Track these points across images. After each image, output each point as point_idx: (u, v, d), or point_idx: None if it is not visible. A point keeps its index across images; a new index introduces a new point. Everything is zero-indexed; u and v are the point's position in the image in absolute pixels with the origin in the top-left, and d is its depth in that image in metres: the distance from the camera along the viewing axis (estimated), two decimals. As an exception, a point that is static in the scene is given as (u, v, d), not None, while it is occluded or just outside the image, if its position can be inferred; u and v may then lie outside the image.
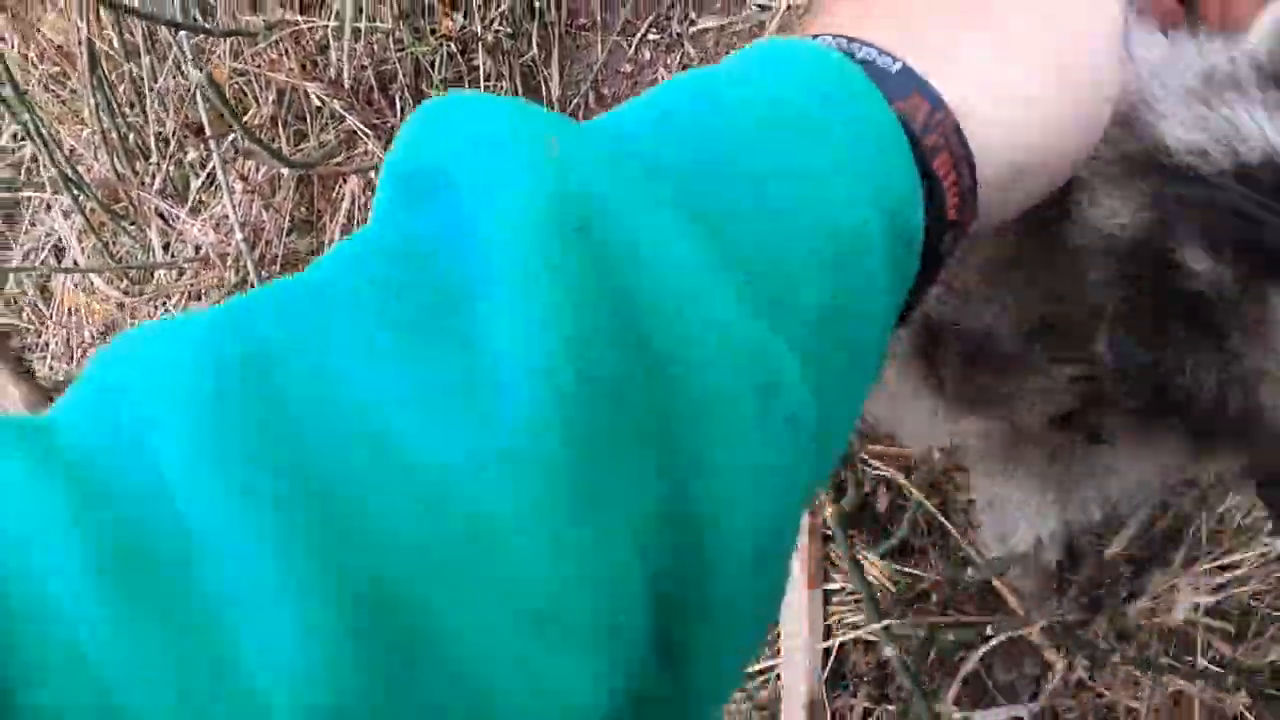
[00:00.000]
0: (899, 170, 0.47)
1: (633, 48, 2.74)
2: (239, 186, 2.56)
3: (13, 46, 2.83)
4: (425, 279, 0.40)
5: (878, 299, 0.47)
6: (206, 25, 2.50)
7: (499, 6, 2.67)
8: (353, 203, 2.58)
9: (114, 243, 2.79)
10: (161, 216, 2.74)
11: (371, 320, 0.39)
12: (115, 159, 2.72)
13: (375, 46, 2.59)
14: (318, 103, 2.59)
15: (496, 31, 2.66)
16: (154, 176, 2.73)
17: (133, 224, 2.77)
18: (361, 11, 2.56)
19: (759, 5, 2.66)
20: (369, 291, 0.40)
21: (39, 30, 2.93)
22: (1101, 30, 0.55)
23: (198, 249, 2.64)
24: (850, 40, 0.52)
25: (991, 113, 0.51)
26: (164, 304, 2.68)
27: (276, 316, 0.39)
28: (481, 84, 2.67)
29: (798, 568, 2.03)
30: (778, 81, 0.49)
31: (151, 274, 2.74)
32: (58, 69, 2.96)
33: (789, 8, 2.61)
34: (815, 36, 0.53)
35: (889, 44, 0.51)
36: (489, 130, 0.43)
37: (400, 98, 2.60)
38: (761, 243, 0.43)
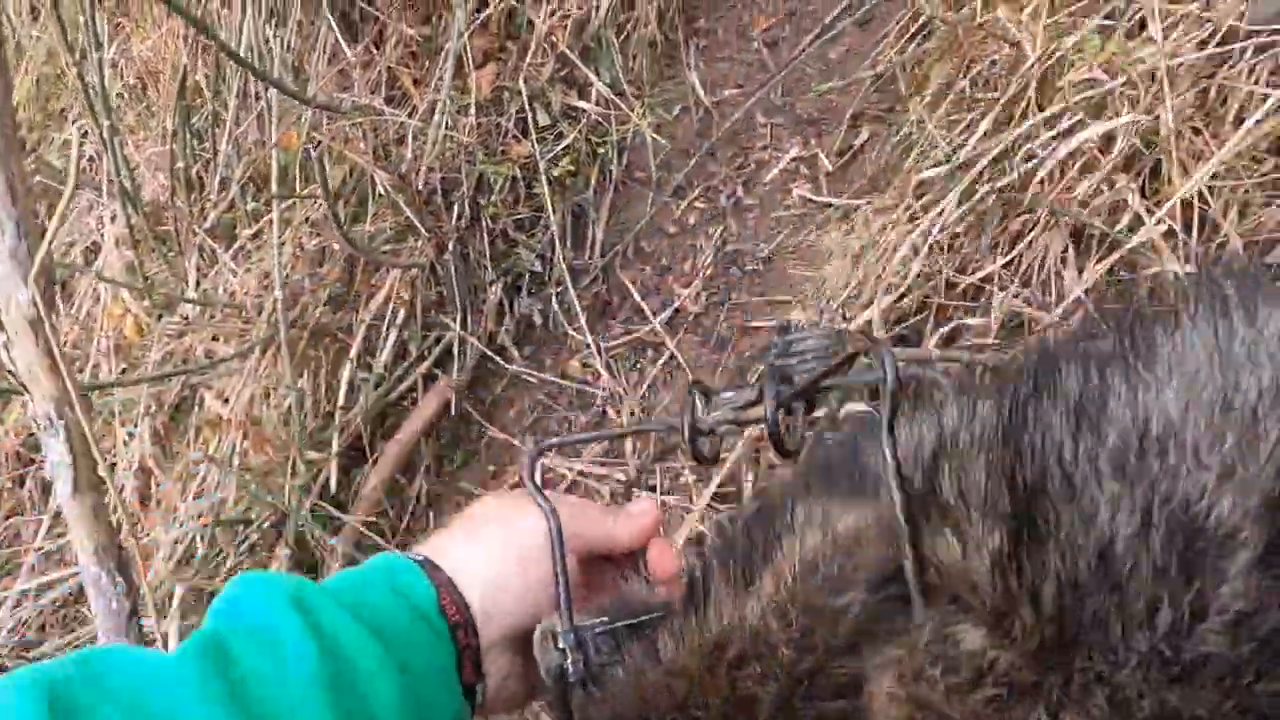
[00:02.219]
0: (425, 602, 0.84)
1: (680, 211, 2.93)
2: (289, 248, 2.67)
3: (108, 50, 2.91)
4: None
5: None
6: (298, 91, 2.62)
7: (564, 141, 2.85)
8: (389, 292, 2.71)
9: (148, 261, 2.86)
10: (202, 252, 2.83)
11: None
12: (176, 184, 2.80)
13: (447, 153, 2.74)
14: (381, 190, 2.71)
15: (560, 166, 2.83)
16: (205, 212, 2.82)
17: (171, 250, 2.85)
18: (445, 118, 2.71)
19: (802, 197, 2.89)
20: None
21: (132, 39, 3.03)
22: (530, 539, 0.88)
23: (232, 294, 2.73)
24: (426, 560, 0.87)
25: (467, 579, 0.87)
26: (182, 337, 2.76)
27: None
28: (535, 213, 2.84)
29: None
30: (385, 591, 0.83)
31: (175, 304, 2.82)
32: (139, 83, 3.05)
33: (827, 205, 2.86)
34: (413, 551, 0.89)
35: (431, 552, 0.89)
36: None
37: (459, 206, 2.75)
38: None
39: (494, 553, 0.89)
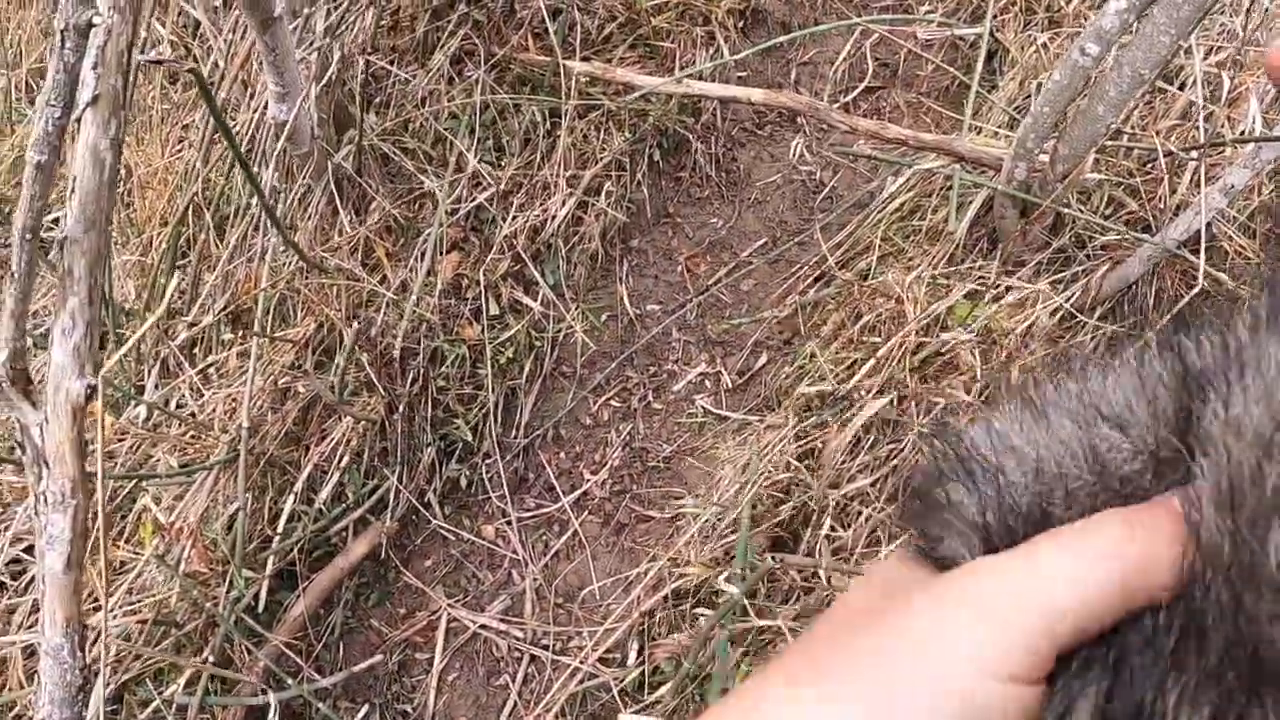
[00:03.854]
0: None
1: (596, 406, 3.31)
2: (258, 381, 2.95)
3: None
4: None
5: None
6: (300, 247, 2.91)
7: (509, 332, 3.22)
8: (340, 438, 3.01)
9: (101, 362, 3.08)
10: (165, 366, 3.08)
11: None
12: (152, 299, 3.05)
13: (409, 325, 3.07)
14: (348, 347, 3.02)
15: (504, 354, 3.20)
16: (175, 330, 3.08)
17: (128, 356, 3.09)
18: (414, 294, 3.06)
19: (704, 408, 3.30)
20: None
21: (132, 150, 3.29)
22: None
23: (193, 414, 2.99)
24: None
25: None
26: (139, 447, 3.00)
27: None
28: (475, 391, 3.19)
29: None
30: None
31: (124, 406, 3.06)
32: (125, 189, 3.31)
33: (714, 417, 3.28)
34: None
35: None
36: None
37: (414, 375, 3.09)
38: None
39: None
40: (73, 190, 1.51)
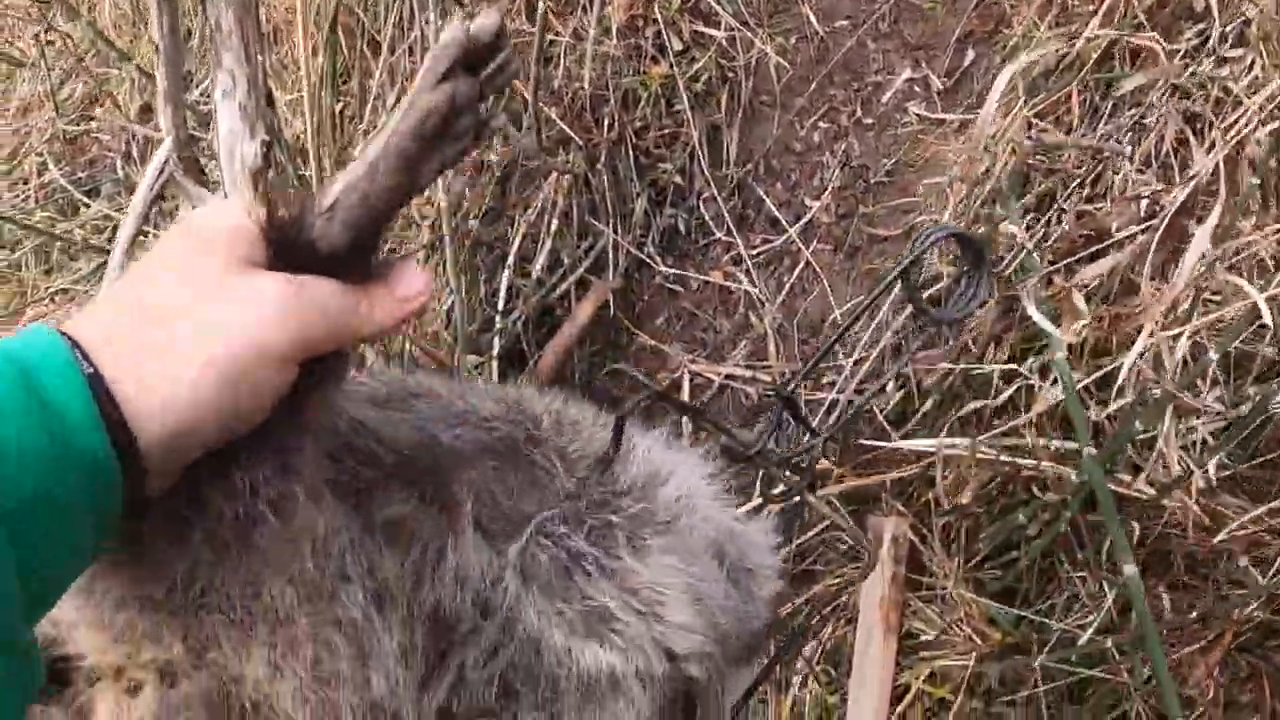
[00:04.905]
0: (80, 429, 0.70)
1: (804, 130, 3.06)
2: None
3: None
4: None
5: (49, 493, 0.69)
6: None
7: (697, 64, 2.98)
8: (545, 203, 2.83)
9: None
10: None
11: None
12: (320, 123, 2.89)
13: (593, 73, 2.86)
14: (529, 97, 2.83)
15: (696, 82, 2.96)
16: (353, 142, 2.92)
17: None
18: (590, 34, 2.84)
19: (917, 115, 3.03)
20: None
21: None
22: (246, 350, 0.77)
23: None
24: (82, 345, 0.74)
25: (146, 401, 0.74)
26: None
27: None
28: (676, 129, 2.97)
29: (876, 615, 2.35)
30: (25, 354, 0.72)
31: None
32: (271, 33, 3.16)
33: (919, 129, 3.00)
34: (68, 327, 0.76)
35: (97, 343, 0.75)
36: None
37: (609, 122, 2.88)
38: None
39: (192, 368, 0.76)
40: (205, -56, 1.39)
